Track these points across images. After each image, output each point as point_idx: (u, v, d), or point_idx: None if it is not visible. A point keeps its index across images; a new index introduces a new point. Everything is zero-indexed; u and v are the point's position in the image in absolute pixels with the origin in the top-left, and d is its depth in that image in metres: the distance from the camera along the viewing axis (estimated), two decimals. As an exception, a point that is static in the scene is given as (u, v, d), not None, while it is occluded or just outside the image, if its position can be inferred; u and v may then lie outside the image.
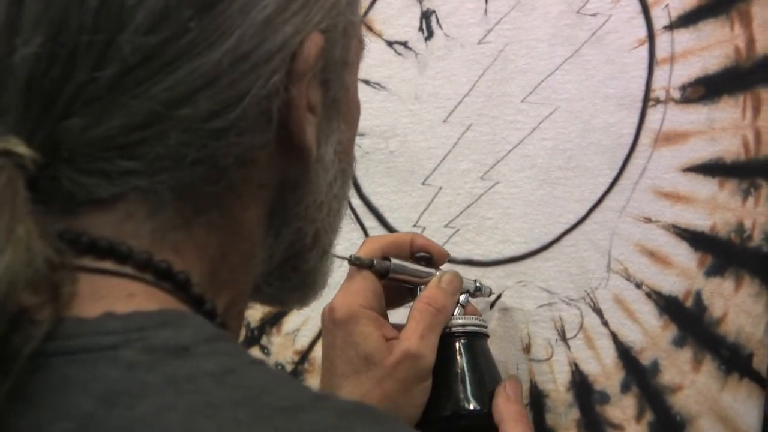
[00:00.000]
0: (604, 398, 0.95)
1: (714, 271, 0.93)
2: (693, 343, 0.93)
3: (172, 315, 0.49)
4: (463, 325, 0.87)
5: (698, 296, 0.93)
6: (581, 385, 0.96)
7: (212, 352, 0.47)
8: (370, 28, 1.03)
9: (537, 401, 0.97)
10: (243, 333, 1.07)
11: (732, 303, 0.92)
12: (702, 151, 0.93)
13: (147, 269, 0.50)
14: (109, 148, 0.49)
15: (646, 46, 0.95)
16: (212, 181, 0.52)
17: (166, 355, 0.46)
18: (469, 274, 0.95)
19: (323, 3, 0.55)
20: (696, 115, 0.93)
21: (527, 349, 0.98)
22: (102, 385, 0.44)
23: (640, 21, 0.95)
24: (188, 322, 0.49)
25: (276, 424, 0.44)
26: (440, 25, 1.01)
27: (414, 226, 1.02)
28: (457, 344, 0.86)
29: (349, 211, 1.03)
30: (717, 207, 0.92)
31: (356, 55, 0.63)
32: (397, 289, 0.89)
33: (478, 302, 0.94)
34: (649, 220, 0.94)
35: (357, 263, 0.86)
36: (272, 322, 1.07)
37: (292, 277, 0.64)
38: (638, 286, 0.94)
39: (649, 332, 0.94)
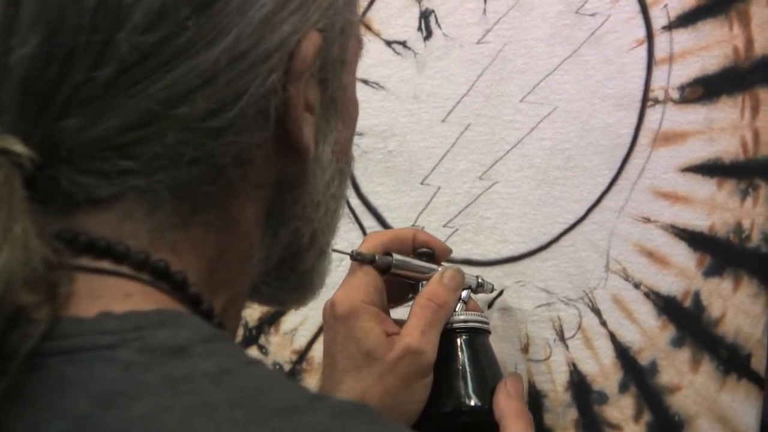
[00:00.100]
0: (603, 398, 0.95)
1: (712, 271, 0.93)
2: (691, 343, 0.93)
3: (169, 315, 0.49)
4: (465, 321, 0.86)
5: (697, 296, 0.93)
6: (579, 385, 0.96)
7: (209, 352, 0.47)
8: (368, 28, 1.02)
9: (535, 401, 0.97)
10: (241, 332, 1.07)
11: (730, 303, 0.92)
12: (700, 151, 0.93)
13: (144, 269, 0.50)
14: (107, 148, 0.49)
15: (644, 46, 0.95)
16: (210, 180, 0.52)
17: (163, 356, 0.45)
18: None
19: (321, 2, 0.55)
20: (694, 116, 0.93)
21: (525, 349, 0.98)
22: (99, 385, 0.44)
23: (639, 21, 0.95)
24: (185, 322, 0.49)
25: (273, 425, 0.44)
26: (439, 25, 1.01)
27: (412, 225, 1.02)
28: (458, 340, 0.86)
29: (347, 210, 1.03)
30: (715, 207, 0.92)
31: (354, 55, 0.63)
32: (398, 285, 0.89)
33: (478, 300, 0.94)
34: (647, 220, 0.94)
35: (359, 258, 0.86)
36: (270, 321, 1.07)
37: (290, 277, 0.64)
38: (637, 286, 0.94)
39: (647, 332, 0.94)
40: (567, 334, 0.97)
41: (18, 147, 0.47)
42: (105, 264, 0.49)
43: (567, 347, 0.97)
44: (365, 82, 1.02)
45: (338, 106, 0.61)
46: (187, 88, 0.49)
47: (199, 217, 0.53)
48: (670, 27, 0.94)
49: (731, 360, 0.92)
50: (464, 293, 0.88)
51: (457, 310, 0.87)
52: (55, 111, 0.48)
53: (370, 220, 1.03)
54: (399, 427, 0.49)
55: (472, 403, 0.84)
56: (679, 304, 0.93)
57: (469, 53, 1.00)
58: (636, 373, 0.94)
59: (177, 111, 0.49)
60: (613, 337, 0.95)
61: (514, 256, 0.99)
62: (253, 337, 1.08)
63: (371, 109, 1.02)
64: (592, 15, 0.96)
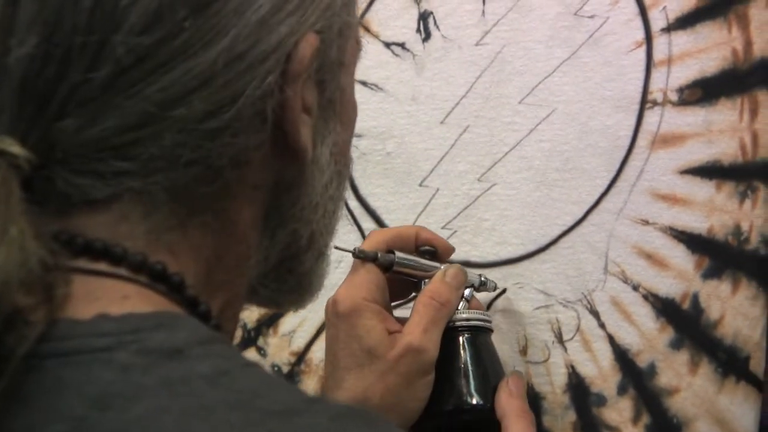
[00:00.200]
0: (601, 400, 0.95)
1: (711, 273, 0.93)
2: (690, 345, 0.93)
3: (166, 317, 0.49)
4: (467, 320, 0.86)
5: (695, 299, 0.93)
6: (578, 388, 0.96)
7: (206, 354, 0.47)
8: (367, 29, 1.02)
9: (533, 403, 0.97)
10: (240, 334, 1.07)
11: (729, 305, 0.92)
12: (699, 153, 0.93)
13: (142, 271, 0.50)
14: (104, 149, 0.49)
15: (643, 48, 0.95)
16: (207, 182, 0.52)
17: (161, 358, 0.45)
18: (467, 275, 0.95)
19: (318, 4, 0.55)
20: (693, 118, 0.93)
21: (524, 351, 0.98)
22: (96, 388, 0.44)
23: (638, 23, 0.95)
24: (182, 324, 0.49)
25: (269, 428, 0.44)
26: (438, 27, 1.01)
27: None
28: (460, 339, 0.86)
29: (346, 212, 1.03)
30: (714, 209, 0.92)
31: (353, 56, 0.63)
32: (401, 283, 0.89)
33: (479, 299, 0.94)
34: (646, 223, 0.94)
35: (361, 256, 0.86)
36: (269, 323, 1.07)
37: (288, 279, 0.64)
38: (635, 288, 0.94)
39: (646, 334, 0.94)
40: (565, 336, 0.97)
41: (15, 148, 0.47)
42: (102, 266, 0.49)
43: (565, 349, 0.97)
44: (364, 83, 1.02)
45: (336, 107, 0.61)
46: (184, 90, 0.49)
47: (196, 219, 0.53)
48: (668, 29, 0.94)
49: (730, 362, 0.92)
50: (467, 291, 0.88)
51: (459, 308, 0.87)
52: (53, 112, 0.48)
53: (369, 222, 1.03)
54: (395, 430, 0.49)
55: (474, 401, 0.84)
56: (678, 306, 0.93)
57: (467, 55, 1.00)
58: (634, 375, 0.94)
59: (174, 112, 0.49)
60: (611, 339, 0.95)
61: (512, 258, 0.99)
62: (251, 338, 1.07)
63: (370, 111, 1.02)
64: (591, 17, 0.96)
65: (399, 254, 0.87)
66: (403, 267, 0.87)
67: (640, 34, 0.95)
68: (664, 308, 0.93)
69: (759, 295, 0.91)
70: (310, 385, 1.05)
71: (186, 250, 0.52)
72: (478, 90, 0.99)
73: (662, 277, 0.94)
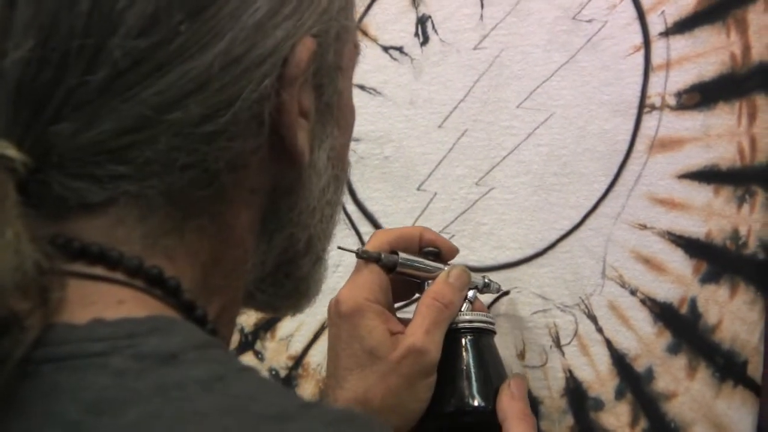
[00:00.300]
0: (599, 405, 0.95)
1: (709, 278, 0.93)
2: (688, 350, 0.93)
3: (161, 321, 0.48)
4: (470, 321, 0.86)
5: (693, 303, 0.93)
6: (575, 392, 0.96)
7: (201, 359, 0.47)
8: (365, 34, 1.02)
9: (531, 408, 0.96)
10: (237, 338, 1.07)
11: (727, 310, 0.92)
12: (697, 157, 0.93)
13: (138, 275, 0.50)
14: (99, 153, 0.49)
15: (641, 52, 0.95)
16: (203, 185, 0.52)
17: (155, 363, 0.45)
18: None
19: (315, 8, 0.55)
20: (691, 122, 0.93)
21: (521, 355, 0.98)
22: (91, 393, 0.44)
23: (636, 27, 0.95)
24: (178, 329, 0.48)
25: None
26: (436, 31, 1.01)
27: (412, 229, 1.02)
28: (463, 340, 0.86)
29: (343, 216, 1.03)
30: (712, 214, 0.92)
31: (351, 60, 0.63)
32: (404, 283, 0.89)
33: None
34: (644, 227, 0.94)
35: (364, 256, 0.86)
36: (266, 327, 1.07)
37: (285, 284, 0.64)
38: (633, 292, 0.94)
39: (643, 339, 0.94)
40: (563, 341, 0.97)
41: (11, 151, 0.47)
42: (98, 270, 0.49)
43: (563, 354, 0.97)
44: (362, 87, 1.02)
45: (334, 111, 0.61)
46: (180, 93, 0.49)
47: (193, 223, 0.53)
48: (667, 33, 0.94)
49: (727, 367, 0.92)
50: (470, 293, 0.88)
51: (462, 309, 0.87)
52: (49, 115, 0.48)
53: (367, 226, 1.03)
54: None
55: (476, 403, 0.84)
56: (676, 310, 0.93)
57: (465, 59, 1.00)
58: (632, 380, 0.94)
59: (170, 116, 0.49)
60: (609, 343, 0.95)
61: (510, 262, 0.99)
62: (249, 342, 1.07)
63: (368, 115, 1.02)
64: (589, 21, 0.96)
65: (402, 255, 0.87)
66: (406, 268, 0.87)
67: (639, 39, 0.95)
68: (662, 313, 0.93)
69: (757, 299, 0.91)
70: (307, 388, 1.05)
71: (182, 254, 0.52)
72: (476, 94, 0.99)
73: (660, 281, 0.94)
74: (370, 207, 1.03)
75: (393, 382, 0.80)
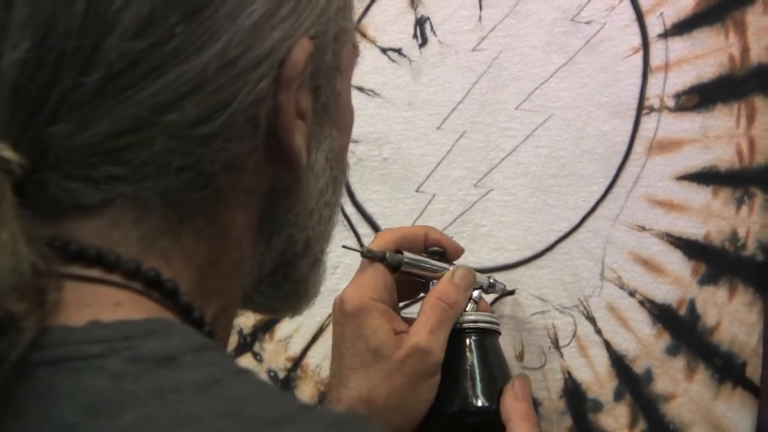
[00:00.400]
0: (597, 406, 0.95)
1: (708, 279, 0.92)
2: (686, 351, 0.93)
3: (158, 324, 0.48)
4: (475, 322, 0.86)
5: (692, 305, 0.93)
6: (574, 393, 0.96)
7: (198, 361, 0.47)
8: (364, 35, 1.02)
9: (530, 409, 0.97)
10: (236, 339, 1.07)
11: (726, 312, 0.92)
12: (696, 159, 0.93)
13: (135, 277, 0.50)
14: (95, 154, 0.49)
15: (640, 54, 0.95)
16: (199, 187, 0.52)
17: (152, 365, 0.45)
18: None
19: (312, 9, 0.55)
20: (690, 124, 0.93)
21: (520, 356, 0.98)
22: (87, 395, 0.44)
23: (635, 29, 0.95)
24: (175, 332, 0.48)
25: None
26: (434, 32, 1.01)
27: (408, 233, 1.02)
28: (467, 340, 0.86)
29: (342, 218, 1.03)
30: (711, 215, 0.92)
31: (349, 62, 0.63)
32: (409, 283, 0.89)
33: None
34: (642, 229, 0.94)
35: (369, 256, 0.86)
36: (265, 328, 1.07)
37: (284, 286, 0.64)
38: (632, 294, 0.94)
39: (642, 340, 0.94)
40: (562, 342, 0.97)
41: (7, 153, 0.47)
42: (95, 272, 0.49)
43: (562, 355, 0.96)
44: (360, 89, 1.02)
45: (332, 113, 0.61)
46: (176, 95, 0.49)
47: (189, 225, 0.52)
48: (665, 35, 0.94)
49: (726, 368, 0.91)
50: (475, 293, 0.88)
51: (467, 309, 0.86)
52: (45, 116, 0.48)
53: (365, 228, 1.03)
54: None
55: (479, 403, 0.83)
56: (674, 312, 0.93)
57: (464, 61, 1.00)
58: (631, 382, 0.94)
59: (165, 117, 0.49)
60: (608, 345, 0.95)
61: (509, 263, 0.99)
62: (247, 344, 1.07)
63: (366, 117, 1.02)
64: (588, 23, 0.96)
65: (407, 254, 0.87)
66: (411, 267, 0.87)
67: (637, 40, 0.95)
68: (661, 314, 0.93)
69: (755, 301, 0.91)
70: (306, 390, 1.05)
71: (179, 256, 0.52)
72: (475, 96, 0.99)
73: (659, 283, 0.94)
74: (369, 208, 1.03)
75: (397, 382, 0.81)
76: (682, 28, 0.93)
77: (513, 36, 0.98)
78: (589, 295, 0.96)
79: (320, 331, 1.05)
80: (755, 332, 0.91)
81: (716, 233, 0.92)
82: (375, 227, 1.03)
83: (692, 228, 0.93)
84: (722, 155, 0.92)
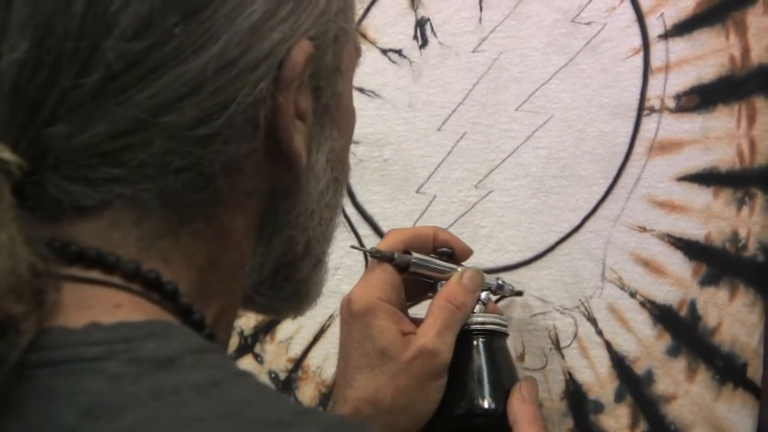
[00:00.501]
0: (598, 407, 0.95)
1: (709, 280, 0.92)
2: (687, 352, 0.93)
3: (158, 326, 0.48)
4: (483, 323, 0.86)
5: (693, 306, 0.93)
6: (575, 395, 0.96)
7: (198, 363, 0.47)
8: (364, 36, 1.02)
9: (531, 411, 0.97)
10: (236, 341, 1.07)
11: (726, 312, 0.92)
12: (697, 160, 0.93)
13: (135, 279, 0.50)
14: (94, 155, 0.49)
15: (641, 54, 0.95)
16: (198, 189, 0.52)
17: (152, 367, 0.45)
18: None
19: (312, 10, 0.55)
20: (691, 124, 0.93)
21: (521, 358, 0.98)
22: (87, 397, 0.44)
23: (635, 30, 0.95)
24: (175, 334, 0.48)
25: None
26: (435, 34, 1.01)
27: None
28: (475, 342, 0.85)
29: (343, 219, 1.03)
30: (712, 216, 0.92)
31: (350, 63, 0.63)
32: (417, 283, 0.89)
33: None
34: (643, 229, 0.94)
35: (378, 256, 0.85)
36: (266, 329, 1.07)
37: (285, 287, 0.64)
38: (633, 295, 0.94)
39: (643, 341, 0.94)
40: (563, 343, 0.96)
41: (6, 154, 0.47)
42: (95, 274, 0.49)
43: (563, 356, 0.96)
44: (361, 90, 1.02)
45: (333, 114, 0.61)
46: (175, 96, 0.49)
47: (188, 227, 0.52)
48: (666, 36, 0.94)
49: (727, 369, 0.91)
50: (483, 294, 0.87)
51: (475, 311, 0.86)
52: (44, 117, 0.48)
53: (366, 229, 1.03)
54: None
55: (486, 405, 0.83)
56: (675, 313, 0.93)
57: (464, 62, 1.00)
58: (632, 383, 0.94)
59: (164, 119, 0.49)
60: (609, 346, 0.95)
61: (509, 265, 0.98)
62: (248, 345, 1.07)
63: (367, 118, 1.02)
64: (588, 24, 0.96)
65: (416, 255, 0.86)
66: (419, 268, 0.87)
67: (638, 41, 0.95)
68: (662, 315, 0.93)
69: (756, 302, 0.91)
70: (307, 391, 1.05)
71: (179, 257, 0.52)
72: (475, 97, 0.99)
73: (660, 284, 0.93)
74: (370, 210, 1.03)
75: (403, 383, 0.80)
76: (683, 28, 0.93)
77: (513, 37, 0.98)
78: (590, 296, 0.96)
79: (321, 332, 1.05)
80: (756, 333, 0.91)
81: (717, 234, 0.92)
82: (375, 228, 1.03)
83: (693, 229, 0.93)
84: (723, 156, 0.92)
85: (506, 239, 0.98)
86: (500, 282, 0.91)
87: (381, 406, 0.80)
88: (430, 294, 0.89)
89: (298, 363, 1.06)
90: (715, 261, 0.92)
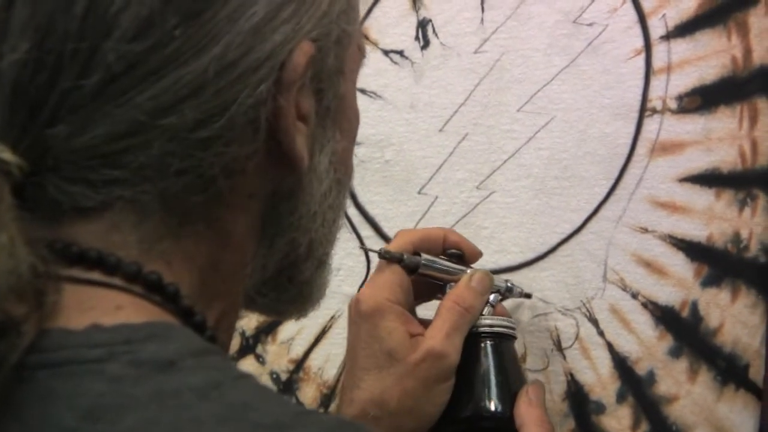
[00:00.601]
0: (600, 408, 0.95)
1: (710, 281, 0.92)
2: (689, 353, 0.93)
3: (159, 328, 0.48)
4: (491, 326, 0.86)
5: (694, 306, 0.93)
6: (577, 395, 0.96)
7: (198, 366, 0.47)
8: (366, 37, 1.02)
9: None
10: (238, 341, 1.07)
11: (728, 313, 0.92)
12: (698, 161, 0.93)
13: (136, 281, 0.50)
14: (94, 157, 0.49)
15: (642, 55, 0.95)
16: (198, 191, 0.52)
17: (153, 369, 0.45)
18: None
19: (314, 12, 0.54)
20: (692, 125, 0.93)
21: (523, 358, 0.97)
22: (87, 399, 0.44)
23: (637, 31, 0.95)
24: (176, 336, 0.48)
25: None
26: (436, 35, 1.01)
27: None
28: (483, 345, 0.85)
29: (344, 220, 1.03)
30: (713, 217, 0.92)
31: (354, 64, 0.62)
32: (426, 284, 0.89)
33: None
34: (645, 230, 0.94)
35: (387, 257, 0.85)
36: (267, 330, 1.07)
37: (288, 288, 0.63)
38: (634, 296, 0.94)
39: (644, 342, 0.94)
40: (564, 344, 0.96)
41: (6, 155, 0.47)
42: (96, 275, 0.49)
43: (564, 357, 0.96)
44: (362, 91, 1.02)
45: (335, 115, 0.60)
46: (175, 98, 0.49)
47: (189, 228, 0.52)
48: (668, 37, 0.94)
49: (729, 370, 0.91)
50: (492, 297, 0.87)
51: (484, 313, 0.86)
52: (44, 118, 0.48)
53: (367, 230, 1.03)
54: None
55: (493, 408, 0.83)
56: (677, 314, 0.93)
57: (466, 63, 1.00)
58: (633, 383, 0.94)
59: (164, 121, 0.49)
60: (610, 347, 0.95)
61: (511, 266, 0.98)
62: (250, 346, 1.07)
63: (368, 119, 1.02)
64: (590, 25, 0.96)
65: (425, 257, 0.86)
66: (428, 270, 0.87)
67: (639, 42, 0.95)
68: (664, 316, 0.93)
69: (758, 303, 0.91)
70: (308, 392, 1.05)
71: (180, 259, 0.52)
72: (477, 98, 0.99)
73: (661, 284, 0.93)
74: (371, 210, 1.03)
75: (410, 385, 0.80)
76: (685, 29, 0.93)
77: (515, 38, 0.98)
78: (591, 297, 0.96)
79: (322, 333, 1.04)
80: (758, 334, 0.91)
81: (719, 235, 0.92)
82: (377, 229, 1.03)
83: (695, 230, 0.93)
84: (725, 157, 0.92)
85: (508, 240, 0.98)
86: (509, 284, 0.91)
87: (387, 408, 0.80)
88: (439, 295, 0.89)
89: (300, 364, 1.06)
90: (716, 262, 0.92)
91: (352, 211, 1.03)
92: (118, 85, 0.48)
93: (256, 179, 0.55)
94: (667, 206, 0.93)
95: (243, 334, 1.07)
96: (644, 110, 0.94)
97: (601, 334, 0.95)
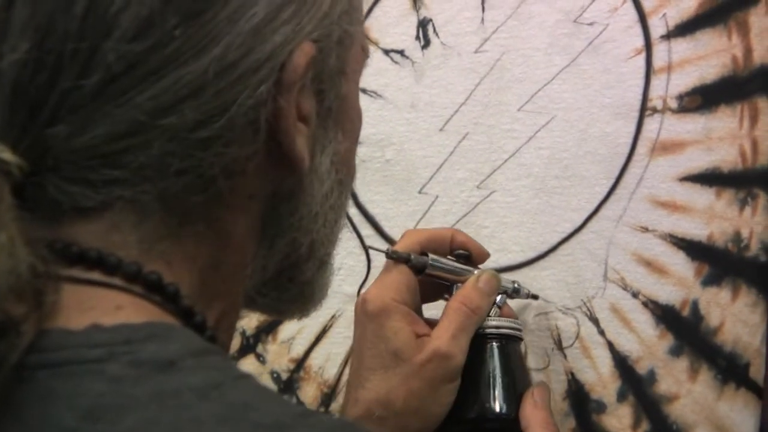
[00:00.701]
0: (601, 407, 0.95)
1: (711, 280, 0.92)
2: (689, 352, 0.93)
3: (159, 328, 0.48)
4: (497, 327, 0.86)
5: (695, 306, 0.93)
6: (577, 394, 0.96)
7: (199, 366, 0.47)
8: (366, 37, 1.02)
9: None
10: (238, 341, 1.07)
11: (729, 312, 0.92)
12: (699, 160, 0.93)
13: (136, 281, 0.50)
14: (94, 157, 0.49)
15: (643, 55, 0.95)
16: (198, 191, 0.52)
17: (153, 370, 0.45)
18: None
19: (315, 12, 0.54)
20: (693, 125, 0.93)
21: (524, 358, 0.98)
22: (87, 399, 0.44)
23: (638, 30, 0.95)
24: (176, 336, 0.48)
25: None
26: (437, 34, 1.01)
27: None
28: (489, 346, 0.85)
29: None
30: (714, 216, 0.92)
31: (356, 64, 0.62)
32: (432, 285, 0.88)
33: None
34: (645, 230, 0.94)
35: (394, 257, 0.85)
36: (268, 330, 1.07)
37: (290, 288, 0.63)
38: (635, 295, 0.94)
39: (645, 341, 0.94)
40: (565, 343, 0.96)
41: (6, 154, 0.47)
42: (96, 275, 0.49)
43: (565, 356, 0.96)
44: (363, 91, 1.02)
45: (337, 116, 0.60)
46: (175, 98, 0.49)
47: (189, 228, 0.52)
48: (668, 36, 0.94)
49: (729, 369, 0.91)
50: (499, 298, 0.87)
51: (491, 314, 0.86)
52: (44, 118, 0.48)
53: (368, 229, 1.03)
54: None
55: (498, 409, 0.83)
56: (678, 313, 0.93)
57: (467, 62, 1.00)
58: (634, 382, 0.94)
59: (164, 121, 0.49)
60: (611, 346, 0.95)
61: (512, 265, 0.98)
62: (250, 345, 1.07)
63: (369, 118, 1.02)
64: (591, 24, 0.96)
65: (432, 257, 0.86)
66: (435, 270, 0.86)
67: (640, 42, 0.95)
68: (664, 315, 0.93)
69: (759, 302, 0.91)
70: (309, 392, 1.05)
71: (180, 259, 0.52)
72: (478, 97, 0.99)
73: (662, 284, 0.93)
74: (372, 210, 1.03)
75: (416, 385, 0.80)
76: (685, 29, 0.93)
77: (516, 38, 0.98)
78: (592, 296, 0.96)
79: (323, 332, 1.04)
80: (758, 333, 0.91)
81: (719, 234, 0.92)
82: (378, 229, 1.03)
83: (695, 229, 0.93)
84: (725, 156, 0.92)
85: (508, 239, 0.98)
86: (516, 285, 0.90)
87: (393, 408, 0.80)
88: (446, 296, 0.89)
89: (300, 363, 1.06)
90: (717, 261, 0.92)
91: (352, 210, 1.03)
92: (118, 85, 0.48)
93: (256, 180, 0.55)
94: (668, 205, 0.93)
95: (243, 333, 1.07)
96: (645, 109, 0.94)
97: (601, 333, 0.95)
